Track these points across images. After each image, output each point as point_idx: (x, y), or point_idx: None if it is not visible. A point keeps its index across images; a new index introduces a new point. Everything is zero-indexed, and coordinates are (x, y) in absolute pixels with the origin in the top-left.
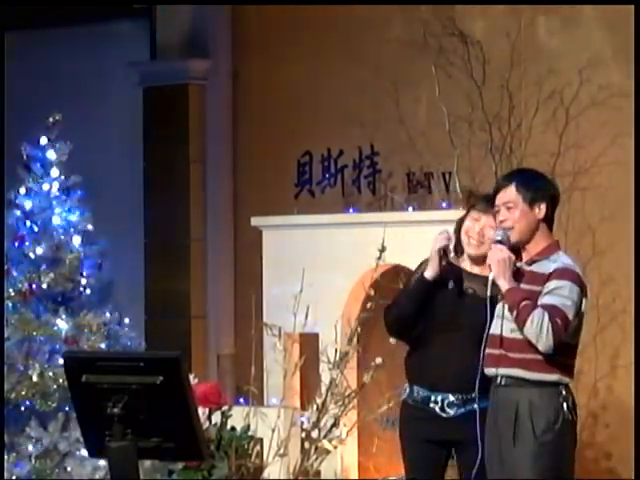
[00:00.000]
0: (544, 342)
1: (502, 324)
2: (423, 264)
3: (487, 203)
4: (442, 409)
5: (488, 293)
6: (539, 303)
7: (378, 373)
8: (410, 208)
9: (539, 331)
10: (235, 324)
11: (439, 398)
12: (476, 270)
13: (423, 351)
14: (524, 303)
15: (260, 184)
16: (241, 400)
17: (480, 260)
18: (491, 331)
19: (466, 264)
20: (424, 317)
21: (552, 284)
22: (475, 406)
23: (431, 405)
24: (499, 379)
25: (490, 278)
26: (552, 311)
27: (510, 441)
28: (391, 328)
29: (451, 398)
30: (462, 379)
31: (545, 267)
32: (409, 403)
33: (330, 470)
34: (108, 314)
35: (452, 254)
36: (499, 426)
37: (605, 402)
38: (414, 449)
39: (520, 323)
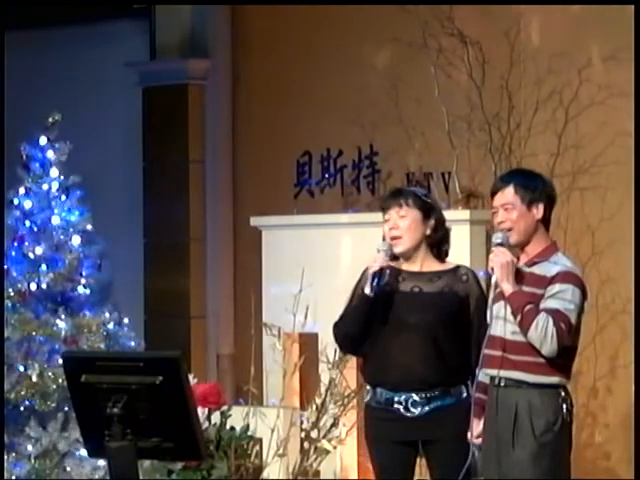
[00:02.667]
0: (548, 347)
1: (505, 326)
2: (367, 271)
3: (389, 198)
4: (406, 409)
5: (491, 295)
6: (542, 307)
7: None
8: None
9: (543, 336)
10: (234, 324)
11: (402, 398)
12: (415, 267)
13: (381, 355)
14: (528, 307)
15: (259, 184)
16: (241, 400)
17: (408, 255)
18: (492, 332)
19: (405, 265)
20: (375, 325)
21: (555, 287)
22: (440, 403)
23: (395, 406)
24: (497, 380)
25: (493, 281)
26: (556, 316)
27: (509, 442)
28: (341, 346)
29: (415, 397)
30: (424, 378)
31: (546, 269)
32: (373, 405)
33: (329, 470)
34: (107, 314)
35: (386, 277)
36: (497, 427)
37: (604, 402)
38: (382, 451)
39: (524, 328)
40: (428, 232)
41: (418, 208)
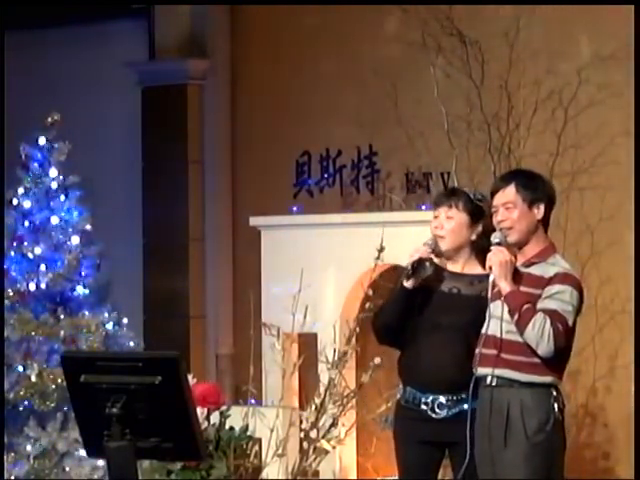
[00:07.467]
0: (545, 347)
1: (500, 325)
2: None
3: (442, 196)
4: (433, 410)
5: (489, 294)
6: (539, 306)
7: (377, 373)
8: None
9: (540, 336)
10: (234, 324)
11: (430, 399)
12: (457, 268)
13: (413, 353)
14: (526, 307)
15: (259, 184)
16: (240, 400)
17: (450, 256)
18: (489, 332)
19: (447, 265)
20: (411, 320)
21: (554, 288)
22: (466, 406)
23: (422, 406)
24: (489, 379)
25: (490, 280)
26: (553, 316)
27: (501, 442)
28: (378, 336)
29: (441, 399)
30: (453, 380)
31: (543, 270)
32: (402, 404)
33: (329, 470)
34: (106, 314)
35: (427, 271)
36: (490, 427)
37: (604, 402)
38: (408, 450)
39: (521, 327)
40: (473, 237)
41: (467, 212)
